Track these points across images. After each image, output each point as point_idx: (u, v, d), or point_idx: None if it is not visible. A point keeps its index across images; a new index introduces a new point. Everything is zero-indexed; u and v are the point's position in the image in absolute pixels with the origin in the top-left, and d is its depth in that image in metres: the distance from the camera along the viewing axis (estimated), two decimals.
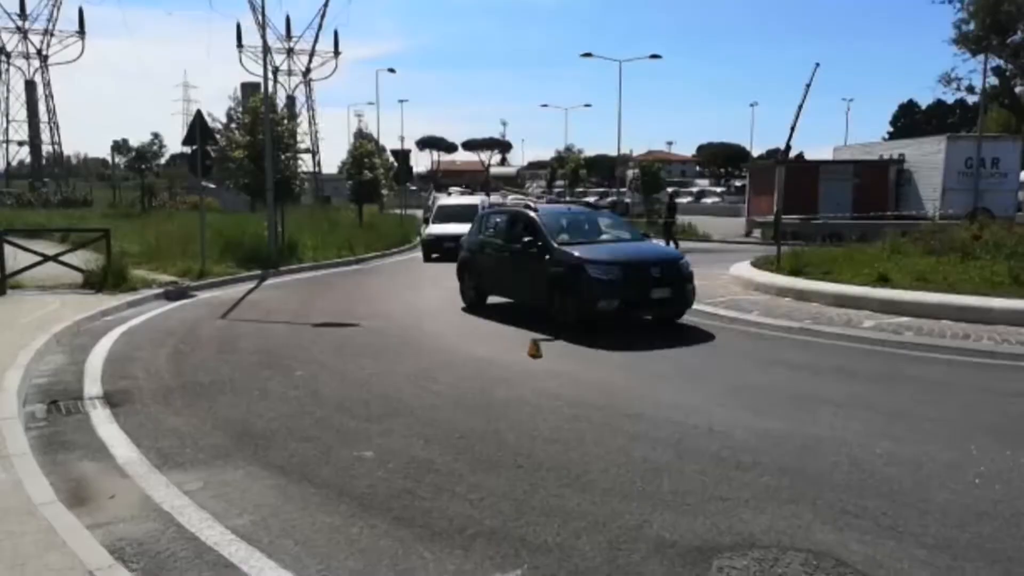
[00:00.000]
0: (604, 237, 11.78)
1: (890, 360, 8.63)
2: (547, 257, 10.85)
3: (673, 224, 28.58)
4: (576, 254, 10.56)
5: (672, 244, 27.98)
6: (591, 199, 51.55)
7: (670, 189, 38.16)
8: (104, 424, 6.22)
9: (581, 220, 12.38)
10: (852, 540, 4.06)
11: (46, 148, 68.21)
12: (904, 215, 28.10)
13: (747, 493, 4.71)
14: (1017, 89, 43.79)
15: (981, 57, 32.01)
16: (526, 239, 11.34)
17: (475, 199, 29.06)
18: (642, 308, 10.61)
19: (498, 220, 12.93)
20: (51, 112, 66.96)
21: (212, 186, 17.92)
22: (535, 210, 12.37)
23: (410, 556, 3.93)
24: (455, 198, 34.61)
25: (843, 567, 3.78)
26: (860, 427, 6.00)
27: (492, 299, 12.76)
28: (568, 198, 48.84)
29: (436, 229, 23.64)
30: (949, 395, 7.09)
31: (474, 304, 12.70)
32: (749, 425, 6.04)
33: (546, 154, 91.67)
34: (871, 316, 11.06)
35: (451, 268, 19.90)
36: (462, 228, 23.12)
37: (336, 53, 68.81)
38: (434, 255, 22.52)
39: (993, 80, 32.22)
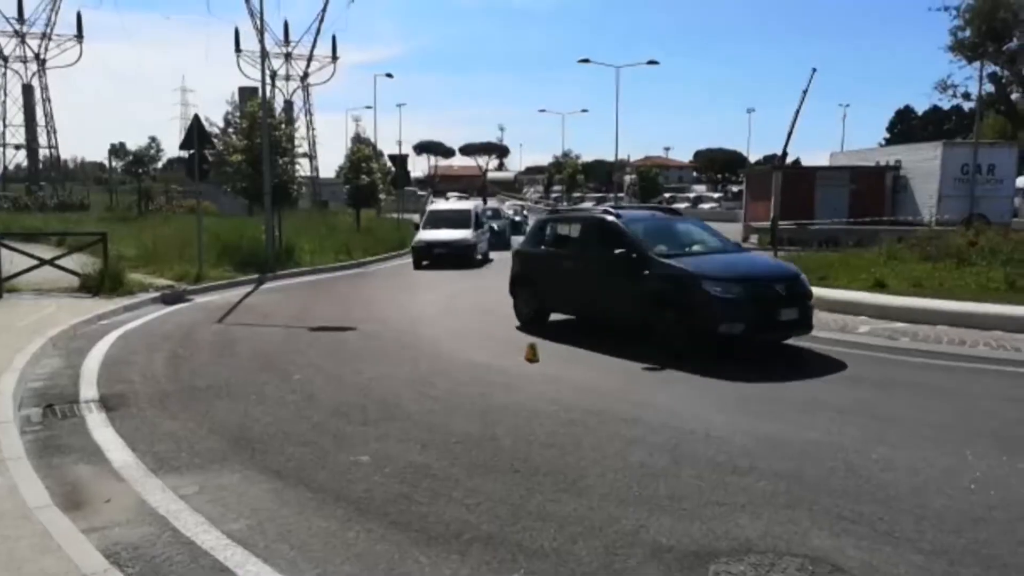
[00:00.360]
0: (697, 248, 10.23)
1: (886, 366, 8.65)
2: (645, 271, 9.33)
3: None
4: (686, 268, 9.13)
5: None
6: (589, 203, 51.60)
7: (667, 195, 38.24)
8: (100, 428, 6.20)
9: (673, 227, 10.76)
10: (849, 546, 4.06)
11: (43, 152, 68.24)
12: (900, 221, 28.19)
13: (744, 498, 4.71)
14: (1013, 96, 43.94)
15: (977, 64, 32.13)
16: (617, 251, 9.71)
17: (468, 204, 27.89)
18: (769, 331, 9.19)
19: (567, 228, 11.53)
20: (48, 116, 66.97)
21: (200, 190, 17.71)
22: (616, 215, 10.60)
23: (406, 561, 3.93)
24: (446, 202, 33.39)
25: (839, 573, 3.78)
26: (856, 432, 6.01)
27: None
28: (565, 203, 48.87)
29: (427, 235, 22.70)
30: (945, 401, 7.10)
31: (530, 321, 11.28)
32: (746, 430, 6.04)
33: (544, 159, 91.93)
34: (867, 322, 11.09)
35: (447, 273, 20.02)
36: (454, 234, 22.42)
37: (334, 58, 68.89)
38: (424, 262, 21.89)
39: (989, 87, 32.38)
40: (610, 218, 10.54)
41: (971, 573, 3.78)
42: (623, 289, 9.72)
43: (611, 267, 9.84)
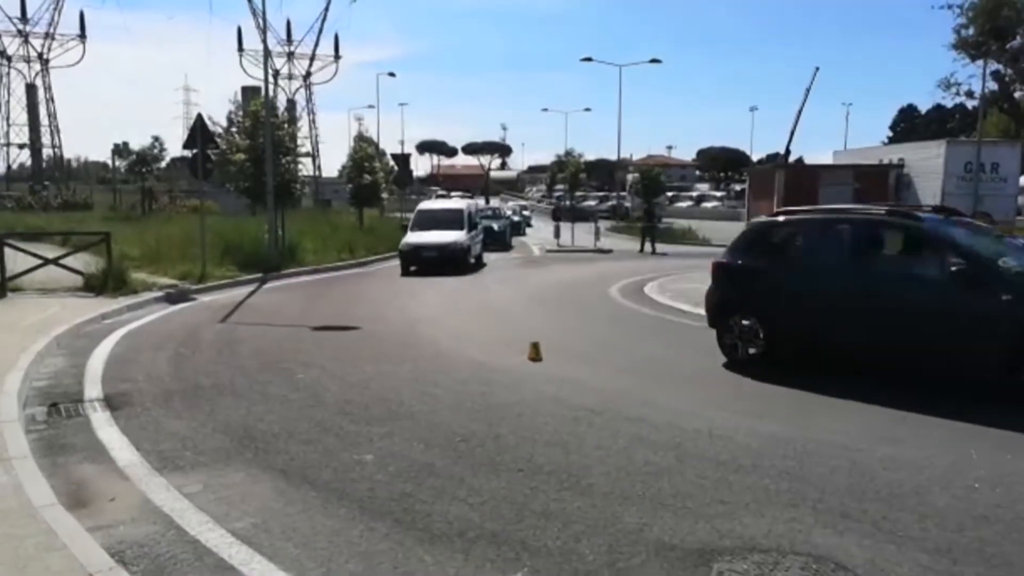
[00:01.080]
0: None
1: None
2: (1004, 297, 6.81)
3: (653, 229, 28.71)
4: None
5: (651, 248, 28.12)
6: (592, 202, 51.58)
7: (670, 193, 38.24)
8: (104, 427, 6.22)
9: (988, 235, 8.46)
10: (852, 544, 4.06)
11: (46, 151, 68.50)
12: None
13: (747, 497, 4.71)
14: (1016, 94, 43.83)
15: (980, 62, 32.06)
16: (954, 266, 7.06)
17: (461, 203, 25.73)
18: None
19: (826, 236, 8.34)
20: (52, 115, 67.26)
21: (204, 190, 17.80)
22: (916, 219, 7.84)
23: (410, 559, 3.93)
24: (436, 202, 31.00)
25: (843, 571, 3.78)
26: (860, 431, 6.01)
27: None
28: (568, 202, 48.79)
29: (415, 238, 20.75)
30: (948, 399, 7.09)
31: (747, 361, 8.49)
32: (749, 429, 6.04)
33: (546, 158, 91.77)
34: None
35: (445, 274, 19.97)
36: (445, 236, 20.28)
37: (336, 57, 69.08)
38: (412, 268, 20.02)
39: (992, 85, 32.31)
40: (910, 221, 7.83)
41: (975, 571, 3.78)
42: (962, 322, 7.05)
43: (936, 291, 7.23)
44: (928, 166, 30.02)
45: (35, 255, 14.24)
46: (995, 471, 5.12)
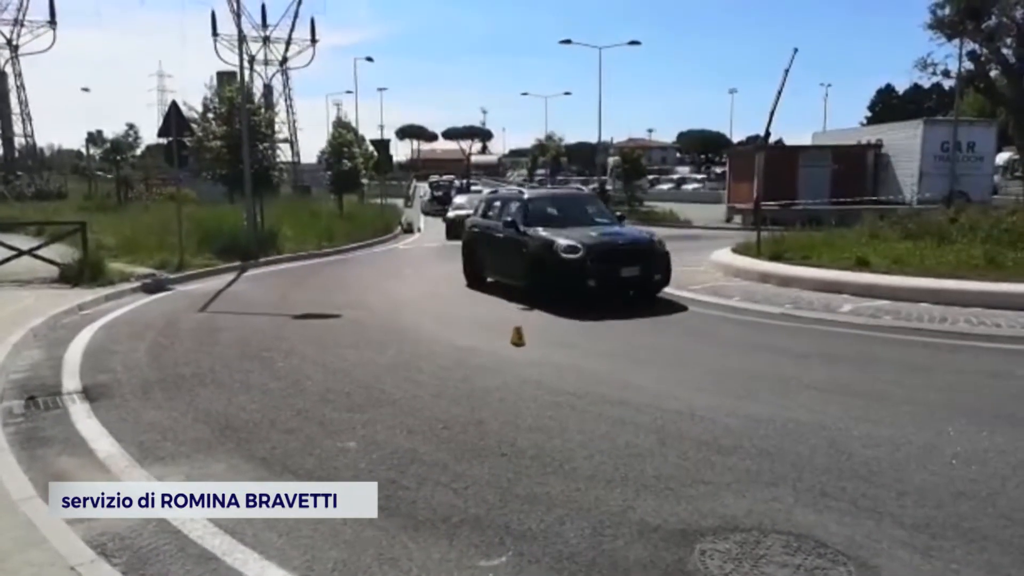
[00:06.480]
0: None
1: (869, 343, 8.74)
2: None
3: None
4: None
5: None
6: (576, 186, 51.50)
7: (651, 176, 38.27)
8: (83, 419, 6.15)
9: None
10: (832, 522, 4.11)
11: (19, 140, 67.15)
12: (882, 200, 28.38)
13: (729, 477, 4.75)
14: (992, 74, 44.21)
15: (957, 42, 32.24)
16: None
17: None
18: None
19: None
20: (23, 103, 65.90)
21: (180, 177, 17.56)
22: None
23: (394, 546, 3.94)
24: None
25: (823, 548, 3.83)
26: (839, 410, 6.07)
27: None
28: (549, 185, 48.76)
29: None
30: (926, 377, 7.19)
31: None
32: (730, 410, 6.09)
33: (527, 142, 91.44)
34: (850, 300, 11.17)
35: (429, 256, 19.91)
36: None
37: (313, 41, 68.02)
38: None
39: (969, 65, 32.43)
40: None
41: (952, 546, 3.84)
42: None
43: None
44: (906, 146, 30.22)
45: (9, 247, 14.03)
46: (971, 448, 5.19)
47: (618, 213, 15.37)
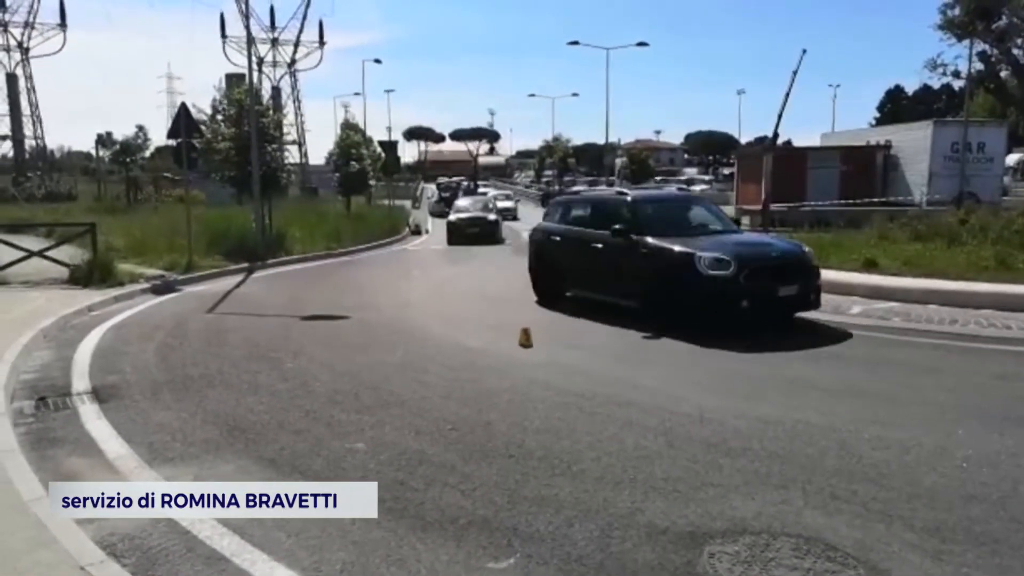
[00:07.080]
0: None
1: (878, 345, 8.69)
2: None
3: None
4: None
5: None
6: (579, 187, 51.42)
7: (658, 178, 38.25)
8: (93, 419, 6.17)
9: None
10: (842, 524, 4.09)
11: (29, 142, 67.64)
12: (891, 201, 28.25)
13: (738, 479, 4.73)
14: (1002, 74, 43.99)
15: (967, 42, 32.10)
16: None
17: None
18: None
19: None
20: (33, 106, 66.39)
21: (188, 179, 17.64)
22: None
23: (403, 547, 3.93)
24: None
25: (833, 551, 3.81)
26: (848, 412, 6.04)
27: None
28: (557, 187, 48.73)
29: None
30: (936, 379, 7.14)
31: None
32: (739, 412, 6.06)
33: (534, 143, 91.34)
34: (859, 302, 11.12)
35: (437, 258, 19.96)
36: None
37: (321, 43, 68.49)
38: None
39: (979, 65, 32.36)
40: None
41: (963, 550, 3.81)
42: None
43: None
44: (915, 147, 30.07)
45: (19, 248, 14.11)
46: (982, 450, 5.16)
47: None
